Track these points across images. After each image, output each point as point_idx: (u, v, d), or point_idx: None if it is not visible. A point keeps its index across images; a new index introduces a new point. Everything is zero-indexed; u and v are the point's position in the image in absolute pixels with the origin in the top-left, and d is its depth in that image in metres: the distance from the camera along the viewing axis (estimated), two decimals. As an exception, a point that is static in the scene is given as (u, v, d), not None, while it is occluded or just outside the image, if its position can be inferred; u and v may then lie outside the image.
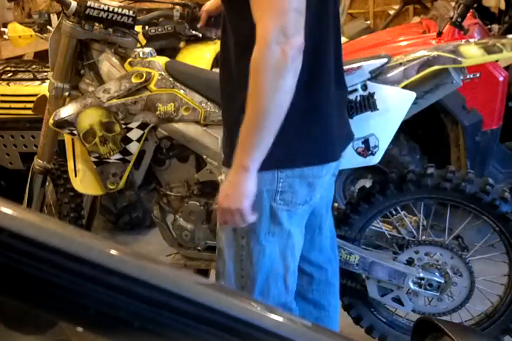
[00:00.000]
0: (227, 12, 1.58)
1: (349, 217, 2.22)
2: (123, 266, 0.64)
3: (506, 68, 3.16)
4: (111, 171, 2.15)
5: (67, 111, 2.09)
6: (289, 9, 1.37)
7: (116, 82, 2.07)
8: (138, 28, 2.26)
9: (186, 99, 2.05)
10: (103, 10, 2.08)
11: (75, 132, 2.10)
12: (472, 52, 1.99)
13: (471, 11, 3.22)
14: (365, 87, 1.96)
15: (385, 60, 2.00)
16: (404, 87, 1.99)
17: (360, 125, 1.96)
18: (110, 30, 2.14)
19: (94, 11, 2.08)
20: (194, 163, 2.18)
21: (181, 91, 2.05)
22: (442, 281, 2.20)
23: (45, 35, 2.75)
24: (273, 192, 1.59)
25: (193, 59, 2.40)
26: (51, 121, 2.11)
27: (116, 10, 2.09)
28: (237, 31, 1.55)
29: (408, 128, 3.12)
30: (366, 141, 1.98)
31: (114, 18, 2.09)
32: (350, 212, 2.23)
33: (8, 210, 0.64)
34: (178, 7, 2.38)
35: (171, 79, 2.07)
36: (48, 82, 2.30)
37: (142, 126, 2.07)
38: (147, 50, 2.12)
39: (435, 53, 1.99)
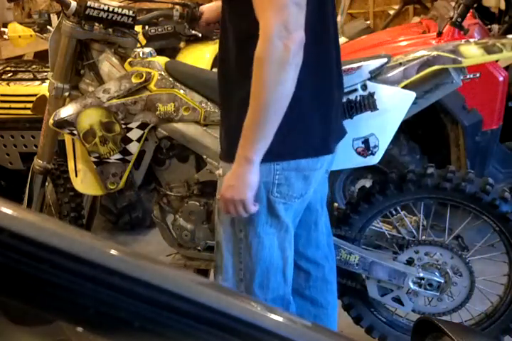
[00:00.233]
0: (228, 12, 1.60)
1: (349, 217, 2.23)
2: (123, 266, 0.64)
3: (506, 68, 3.16)
4: (111, 171, 2.15)
5: (67, 111, 2.09)
6: (290, 4, 1.41)
7: (116, 82, 2.07)
8: (138, 28, 2.25)
9: (186, 99, 2.05)
10: (103, 10, 2.08)
11: (75, 132, 2.10)
12: (472, 52, 1.99)
13: (471, 11, 3.22)
14: (365, 87, 1.96)
15: (385, 59, 2.00)
16: (404, 87, 1.99)
17: (360, 125, 1.96)
18: (110, 30, 2.14)
19: (94, 11, 2.08)
20: (194, 163, 2.18)
21: (181, 91, 2.05)
22: (442, 281, 2.20)
23: (45, 35, 2.75)
24: (270, 185, 1.62)
25: (192, 59, 2.41)
26: (51, 121, 2.11)
27: (116, 10, 2.09)
28: (236, 31, 1.57)
29: (408, 128, 3.12)
30: (366, 141, 1.98)
31: (114, 18, 2.09)
32: (350, 211, 2.23)
33: (8, 210, 0.64)
34: (177, 7, 2.38)
35: (170, 79, 2.07)
36: (47, 82, 2.30)
37: (142, 126, 2.07)
38: (147, 50, 2.12)
39: (435, 53, 1.99)
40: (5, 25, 3.42)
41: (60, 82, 2.17)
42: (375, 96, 1.96)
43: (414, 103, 1.99)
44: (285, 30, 1.40)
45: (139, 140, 2.09)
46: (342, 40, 4.38)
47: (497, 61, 3.08)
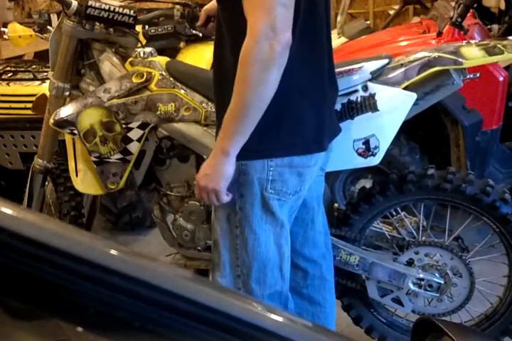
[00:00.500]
0: (221, 11, 1.64)
1: (349, 218, 2.23)
2: (123, 266, 0.64)
3: (506, 68, 3.16)
4: (111, 171, 2.15)
5: (67, 110, 2.09)
6: (277, 5, 1.44)
7: (116, 82, 2.07)
8: (138, 28, 2.26)
9: (187, 99, 2.05)
10: (104, 9, 2.08)
11: (75, 132, 2.10)
12: (473, 54, 1.99)
13: (471, 11, 3.23)
14: (365, 88, 1.97)
15: (386, 60, 2.00)
16: (405, 88, 1.99)
17: (361, 126, 1.96)
18: (111, 29, 2.14)
19: (95, 10, 2.08)
20: (194, 163, 2.18)
21: (182, 91, 2.05)
22: (442, 282, 2.19)
23: (45, 35, 2.76)
24: (264, 181, 1.65)
25: (193, 59, 2.40)
26: (51, 120, 2.11)
27: (117, 9, 2.09)
28: (230, 29, 1.60)
29: (408, 128, 3.12)
30: (367, 142, 1.98)
31: (114, 18, 2.09)
32: (350, 212, 2.23)
33: (8, 210, 0.63)
34: (178, 7, 2.38)
35: (171, 79, 2.07)
36: (48, 81, 2.30)
37: (143, 126, 2.07)
38: (148, 49, 2.12)
39: (436, 54, 1.99)
40: (5, 25, 3.42)
41: (60, 82, 2.17)
42: (375, 97, 1.96)
43: (415, 104, 1.99)
44: (272, 30, 1.43)
45: (139, 140, 2.09)
46: (342, 40, 4.39)
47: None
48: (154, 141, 2.13)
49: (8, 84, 3.02)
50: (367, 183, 3.17)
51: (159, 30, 2.37)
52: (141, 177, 2.20)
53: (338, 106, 1.96)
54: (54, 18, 5.22)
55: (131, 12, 2.11)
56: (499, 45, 2.03)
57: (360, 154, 2.00)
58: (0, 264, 0.61)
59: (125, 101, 2.06)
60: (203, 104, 2.04)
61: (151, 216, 2.54)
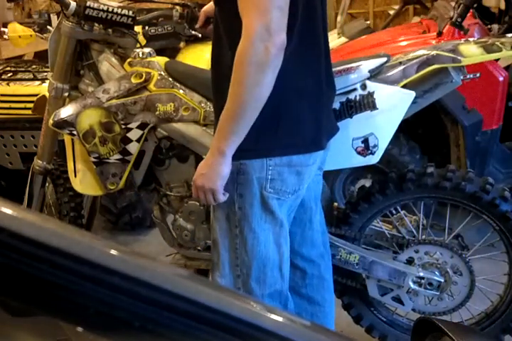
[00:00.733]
0: (219, 12, 1.65)
1: (349, 217, 2.23)
2: (123, 266, 0.64)
3: (506, 68, 3.16)
4: (111, 171, 2.15)
5: (66, 111, 2.09)
6: (273, 7, 1.45)
7: (115, 82, 2.07)
8: (138, 28, 2.26)
9: (186, 99, 2.05)
10: (102, 10, 2.08)
11: (74, 132, 2.10)
12: (471, 51, 2.00)
13: (471, 10, 3.23)
14: (364, 86, 1.97)
15: (385, 59, 2.00)
16: (404, 86, 1.99)
17: (360, 124, 1.96)
18: (110, 30, 2.14)
19: (94, 11, 2.08)
20: (194, 163, 2.18)
21: (181, 92, 2.05)
22: (442, 280, 2.20)
23: (45, 35, 2.76)
24: (263, 180, 1.66)
25: (192, 59, 2.40)
26: (51, 121, 2.11)
27: (115, 10, 2.09)
28: (229, 30, 1.61)
29: (408, 128, 3.12)
30: (366, 141, 1.99)
31: (113, 19, 2.09)
32: (350, 211, 2.23)
33: (8, 210, 0.63)
34: (177, 7, 2.38)
35: (170, 79, 2.07)
36: (47, 82, 2.30)
37: (142, 126, 2.07)
38: (147, 50, 2.12)
39: (434, 52, 1.99)
40: (5, 25, 3.42)
41: (59, 83, 2.17)
42: (374, 96, 1.96)
43: (413, 102, 1.99)
44: (267, 32, 1.45)
45: (138, 140, 2.09)
46: (342, 40, 4.38)
47: (497, 61, 3.08)
48: (153, 141, 2.13)
49: (8, 84, 3.02)
50: (366, 182, 3.17)
51: (159, 30, 2.37)
52: (141, 177, 2.20)
53: (336, 105, 1.96)
54: (54, 18, 5.21)
55: (130, 13, 2.11)
56: (497, 43, 2.03)
57: (359, 153, 2.00)
58: (0, 264, 0.61)
59: (124, 101, 2.06)
60: (202, 104, 2.04)
61: (150, 216, 2.54)
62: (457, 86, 2.09)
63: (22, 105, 2.90)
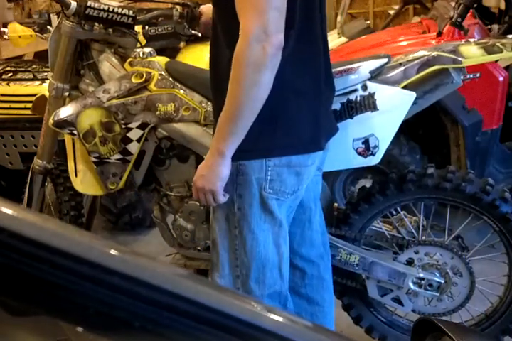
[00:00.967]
0: (217, 12, 1.65)
1: (349, 217, 2.22)
2: (123, 266, 0.64)
3: (506, 68, 3.16)
4: (111, 171, 2.15)
5: (67, 111, 2.09)
6: (270, 8, 1.46)
7: (116, 82, 2.07)
8: (137, 28, 2.26)
9: (186, 99, 2.04)
10: (103, 10, 2.08)
11: (74, 132, 2.09)
12: (472, 52, 2.00)
13: (471, 10, 3.22)
14: (365, 87, 1.97)
15: (385, 60, 2.00)
16: (404, 87, 1.99)
17: (360, 125, 1.96)
18: (110, 30, 2.14)
19: (94, 11, 2.07)
20: (194, 163, 2.18)
21: (181, 92, 2.05)
22: (442, 281, 2.19)
23: (45, 35, 2.75)
24: (262, 181, 1.66)
25: (192, 59, 2.40)
26: (51, 121, 2.11)
27: (116, 10, 2.09)
28: (226, 30, 1.61)
29: (408, 128, 3.11)
30: (366, 141, 1.98)
31: (114, 18, 2.09)
32: (350, 211, 2.23)
33: (8, 210, 0.63)
34: (177, 7, 2.38)
35: (170, 79, 2.07)
36: (47, 82, 2.30)
37: (142, 126, 2.07)
38: (147, 50, 2.12)
39: (435, 53, 1.99)
40: (5, 25, 3.42)
41: (60, 82, 2.17)
42: (375, 97, 1.96)
43: (414, 103, 1.99)
44: (264, 33, 1.45)
45: (139, 140, 2.09)
46: (342, 40, 4.38)
47: (497, 61, 3.07)
48: (154, 141, 2.13)
49: (8, 84, 3.02)
50: (367, 183, 3.17)
51: (159, 30, 2.37)
52: (141, 177, 2.20)
53: (337, 106, 1.96)
54: (54, 18, 5.21)
55: (131, 12, 2.11)
56: (498, 44, 2.03)
57: (359, 153, 2.00)
58: (0, 264, 0.61)
59: (124, 101, 2.06)
60: (203, 104, 2.04)
61: (150, 216, 2.54)
62: (458, 87, 2.09)
63: (22, 105, 2.90)
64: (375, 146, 1.99)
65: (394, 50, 2.93)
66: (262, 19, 1.45)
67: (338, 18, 4.83)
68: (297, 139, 1.67)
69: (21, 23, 3.04)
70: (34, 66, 3.19)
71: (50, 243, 0.61)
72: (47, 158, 2.35)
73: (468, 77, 2.89)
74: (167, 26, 2.36)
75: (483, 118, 3.08)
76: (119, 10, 2.09)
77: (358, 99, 1.96)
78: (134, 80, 2.06)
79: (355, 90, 1.96)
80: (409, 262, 2.22)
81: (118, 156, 2.12)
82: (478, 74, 2.98)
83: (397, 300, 2.25)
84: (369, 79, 1.98)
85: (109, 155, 2.11)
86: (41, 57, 3.70)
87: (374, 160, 2.03)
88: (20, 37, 2.77)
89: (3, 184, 3.16)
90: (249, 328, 0.66)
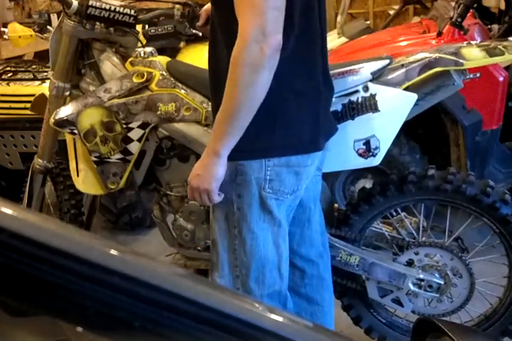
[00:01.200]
0: (215, 11, 1.65)
1: (349, 218, 2.22)
2: (123, 266, 0.64)
3: (506, 68, 3.16)
4: (111, 171, 2.14)
5: (67, 110, 2.09)
6: (268, 8, 1.45)
7: (117, 82, 2.07)
8: (138, 28, 2.25)
9: (187, 99, 2.04)
10: (104, 9, 2.08)
11: (75, 131, 2.09)
12: (474, 55, 1.99)
13: (471, 11, 3.22)
14: (366, 88, 1.97)
15: (387, 61, 2.00)
16: (406, 89, 1.99)
17: (362, 126, 1.96)
18: (111, 29, 2.14)
19: (96, 10, 2.07)
20: (195, 163, 2.17)
21: (182, 91, 2.05)
22: (442, 283, 2.19)
23: (45, 35, 2.76)
24: (261, 181, 1.66)
25: (193, 59, 2.40)
26: (52, 120, 2.11)
27: (117, 9, 2.09)
28: (225, 30, 1.61)
29: (408, 128, 3.11)
30: (367, 142, 1.98)
31: (115, 17, 2.09)
32: (350, 212, 2.23)
33: (8, 210, 0.63)
34: (178, 6, 2.38)
35: (172, 79, 2.07)
36: (47, 81, 2.30)
37: (143, 126, 2.07)
38: (148, 49, 2.12)
39: (437, 55, 1.99)
40: (5, 25, 3.43)
41: (60, 81, 2.17)
42: (376, 98, 1.96)
43: (415, 105, 1.99)
44: (262, 34, 1.45)
45: (139, 140, 2.09)
46: (342, 40, 4.38)
47: (497, 61, 3.07)
48: (155, 141, 2.13)
49: (8, 84, 3.02)
50: (367, 183, 3.17)
51: (159, 29, 2.37)
52: (142, 177, 2.20)
53: (338, 107, 1.96)
54: (54, 18, 5.22)
55: (132, 12, 2.11)
56: (500, 46, 2.03)
57: (360, 154, 2.00)
58: (0, 264, 0.60)
59: (125, 101, 2.06)
60: (204, 104, 2.04)
61: (151, 216, 2.54)
62: (459, 89, 2.09)
63: (22, 105, 2.90)
64: (376, 147, 1.99)
65: (394, 50, 2.94)
66: (261, 20, 1.45)
67: (338, 18, 4.83)
68: (296, 139, 1.67)
69: (21, 23, 3.04)
70: (34, 66, 3.19)
71: (49, 243, 0.61)
72: (47, 158, 2.35)
73: (468, 77, 2.89)
74: (168, 26, 2.36)
75: (483, 118, 3.07)
76: (121, 9, 2.09)
77: (360, 100, 1.96)
78: (135, 80, 2.06)
79: (357, 91, 1.96)
80: (409, 263, 2.21)
81: (118, 156, 2.12)
82: (478, 74, 2.98)
83: (397, 301, 2.25)
84: (371, 81, 1.97)
85: (109, 155, 2.11)
86: (41, 57, 3.70)
87: (375, 162, 2.03)
88: (20, 37, 2.77)
89: (3, 184, 3.16)
90: (249, 328, 0.66)
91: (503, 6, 3.74)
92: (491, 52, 2.01)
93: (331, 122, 1.85)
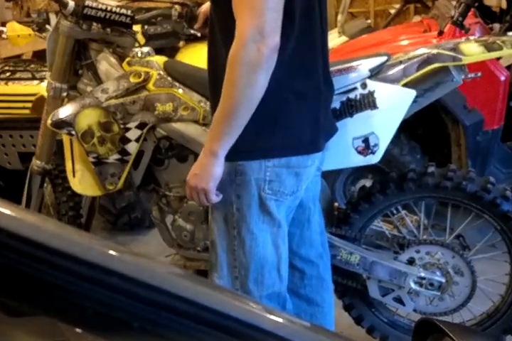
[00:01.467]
0: (214, 11, 1.65)
1: (350, 217, 2.22)
2: (122, 267, 0.64)
3: (508, 67, 3.16)
4: (109, 171, 2.14)
5: (65, 111, 2.08)
6: (266, 9, 1.46)
7: (114, 82, 2.07)
8: (137, 28, 2.25)
9: (185, 98, 2.04)
10: (101, 9, 2.07)
11: (73, 132, 2.09)
12: (472, 50, 1.99)
13: (472, 10, 3.22)
14: (364, 86, 1.96)
15: (385, 58, 2.00)
16: (404, 85, 1.99)
17: (360, 123, 1.96)
18: (108, 29, 2.14)
19: (92, 10, 2.07)
20: (193, 162, 2.17)
21: (180, 91, 2.05)
22: (443, 281, 2.19)
23: (43, 34, 2.75)
24: (261, 181, 1.66)
25: (193, 58, 2.39)
26: (49, 121, 2.10)
27: (114, 9, 2.08)
28: (224, 29, 1.61)
29: (409, 127, 3.11)
30: (366, 140, 1.98)
31: (112, 18, 2.09)
32: (350, 211, 2.22)
33: (6, 210, 0.63)
34: (176, 6, 2.37)
35: (169, 78, 2.06)
36: (46, 81, 2.29)
37: (141, 126, 2.07)
38: (145, 49, 2.12)
39: (435, 51, 1.99)
40: (3, 24, 3.42)
41: (58, 82, 2.17)
42: (375, 95, 1.95)
43: (414, 101, 1.99)
44: (259, 34, 1.45)
45: (137, 140, 2.08)
46: (343, 39, 4.37)
47: (498, 60, 3.07)
48: (153, 141, 2.12)
49: (6, 83, 3.02)
50: (367, 183, 3.17)
51: (158, 29, 2.37)
52: (140, 177, 2.20)
53: (337, 104, 1.96)
54: (53, 17, 5.20)
55: (129, 12, 2.11)
56: (498, 41, 2.03)
57: (359, 152, 2.00)
58: (-2, 265, 0.60)
59: (123, 101, 2.05)
60: (201, 104, 2.03)
61: (149, 216, 2.54)
62: (458, 85, 2.08)
63: (20, 105, 2.90)
64: (375, 145, 1.98)
65: (395, 49, 2.93)
66: (259, 20, 1.45)
67: (339, 17, 4.82)
68: (297, 140, 1.66)
69: (20, 22, 3.04)
70: (33, 65, 3.19)
71: (48, 243, 0.61)
72: (45, 159, 2.34)
73: (469, 76, 2.89)
74: (166, 26, 2.36)
75: (484, 117, 3.07)
76: (117, 9, 2.09)
77: (358, 97, 1.95)
78: (133, 80, 2.05)
79: (355, 88, 1.96)
80: (410, 261, 2.21)
81: (116, 156, 2.11)
82: (479, 74, 2.98)
83: (399, 300, 2.24)
84: (369, 78, 1.97)
85: (107, 156, 2.11)
86: (40, 56, 3.70)
87: (374, 159, 2.02)
88: (18, 36, 2.77)
89: (1, 184, 3.15)
90: (248, 329, 0.66)
91: (504, 5, 3.74)
92: (489, 47, 2.00)
93: (331, 122, 1.84)
